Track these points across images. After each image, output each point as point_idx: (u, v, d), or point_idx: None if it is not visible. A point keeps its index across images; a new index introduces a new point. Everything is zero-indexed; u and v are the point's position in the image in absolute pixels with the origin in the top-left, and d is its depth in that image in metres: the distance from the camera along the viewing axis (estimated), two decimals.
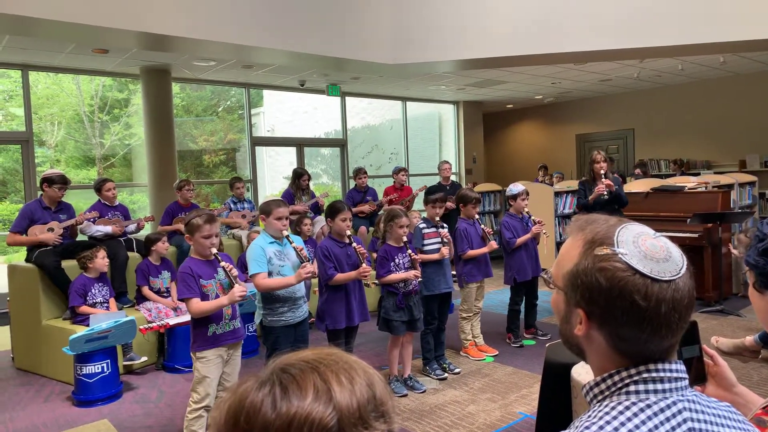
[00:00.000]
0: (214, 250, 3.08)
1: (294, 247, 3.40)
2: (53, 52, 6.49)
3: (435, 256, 4.29)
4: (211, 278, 3.09)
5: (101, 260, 4.64)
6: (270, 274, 3.33)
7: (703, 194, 6.43)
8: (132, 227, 5.42)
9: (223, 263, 3.06)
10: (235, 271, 3.08)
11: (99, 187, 5.41)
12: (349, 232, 3.73)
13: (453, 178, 8.36)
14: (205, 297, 3.04)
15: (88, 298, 4.57)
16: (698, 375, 1.15)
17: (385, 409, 0.64)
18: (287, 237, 3.43)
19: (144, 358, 4.63)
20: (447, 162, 8.04)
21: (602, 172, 5.40)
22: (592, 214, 0.89)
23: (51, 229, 4.86)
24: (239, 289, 3.00)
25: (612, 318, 0.79)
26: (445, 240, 4.35)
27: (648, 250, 0.80)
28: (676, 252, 0.82)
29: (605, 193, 5.33)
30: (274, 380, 0.62)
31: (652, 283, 0.77)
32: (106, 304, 4.66)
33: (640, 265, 0.78)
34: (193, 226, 3.05)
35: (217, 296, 3.08)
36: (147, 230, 6.51)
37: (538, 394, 1.96)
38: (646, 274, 0.77)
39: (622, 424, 0.75)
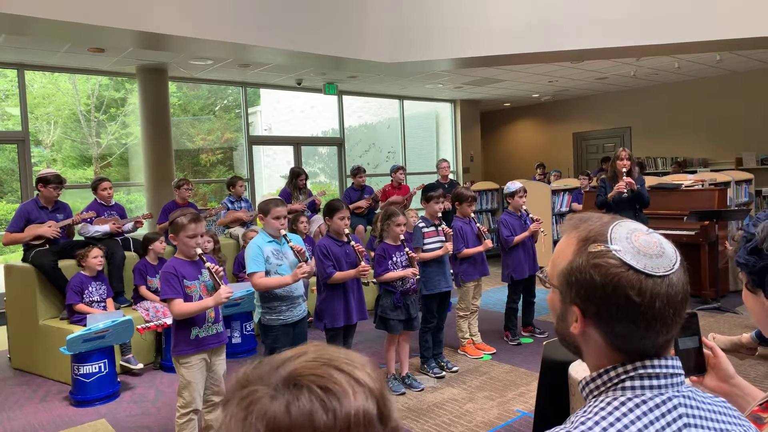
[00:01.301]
0: (199, 251, 2.99)
1: (291, 247, 3.40)
2: (49, 52, 6.47)
3: (439, 252, 4.30)
4: (195, 279, 3.01)
5: (92, 260, 4.59)
6: (267, 273, 3.33)
7: (700, 192, 6.45)
8: (129, 226, 5.41)
9: (208, 264, 2.99)
10: (221, 272, 3.01)
11: (95, 186, 5.40)
12: (347, 231, 3.74)
13: (451, 176, 8.35)
14: (188, 298, 2.96)
15: (84, 296, 4.56)
16: (698, 366, 1.16)
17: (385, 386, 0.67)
18: (285, 236, 3.43)
19: (140, 365, 4.57)
20: (445, 160, 8.02)
21: (624, 169, 5.29)
22: (585, 213, 0.90)
23: (48, 227, 4.84)
24: (225, 290, 2.92)
25: (607, 315, 0.80)
26: (446, 236, 4.37)
27: (641, 246, 0.80)
28: (669, 248, 0.82)
29: (626, 191, 5.25)
30: (308, 385, 0.61)
31: (646, 279, 0.78)
32: (103, 304, 4.65)
33: (634, 261, 0.78)
34: (177, 225, 2.96)
35: (200, 298, 2.99)
36: (145, 229, 6.50)
37: (536, 391, 1.96)
38: (640, 270, 0.78)
39: (618, 419, 0.76)
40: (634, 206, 5.34)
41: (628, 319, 0.78)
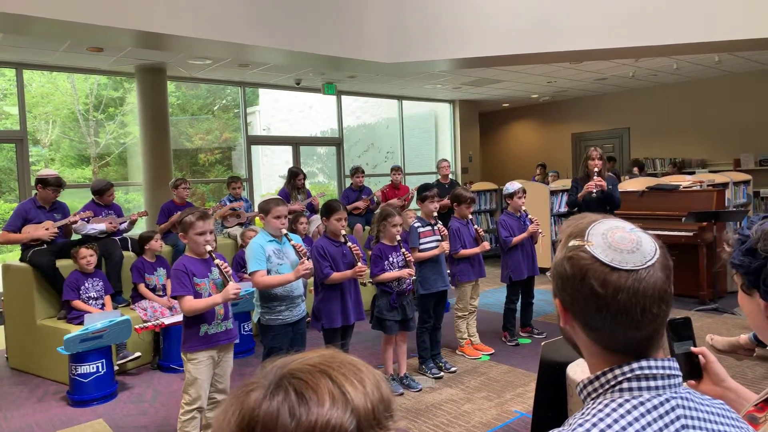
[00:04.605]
0: (209, 248, 3.04)
1: (293, 245, 3.40)
2: (48, 51, 6.46)
3: (435, 251, 4.30)
4: (204, 277, 3.06)
5: (81, 260, 4.56)
6: (268, 272, 3.33)
7: (698, 193, 6.45)
8: (125, 225, 5.40)
9: (217, 261, 3.04)
10: (229, 270, 3.06)
11: (104, 190, 5.33)
12: (344, 232, 3.73)
13: (450, 176, 8.33)
14: (198, 295, 3.01)
15: (81, 292, 4.55)
16: (693, 371, 1.16)
17: (393, 407, 0.65)
18: (286, 235, 3.43)
19: (138, 354, 4.58)
20: (445, 160, 8.00)
21: (596, 170, 5.21)
22: (584, 213, 0.91)
23: (46, 229, 4.83)
24: (234, 286, 2.97)
25: (578, 305, 0.83)
26: (442, 235, 4.37)
27: (614, 242, 0.82)
28: (650, 246, 0.83)
29: (594, 191, 5.14)
30: (286, 387, 0.61)
31: (611, 272, 0.80)
32: (101, 301, 4.64)
33: (603, 255, 0.81)
34: (186, 223, 3.02)
35: (210, 295, 3.04)
36: (141, 227, 6.49)
37: (534, 392, 1.96)
38: (606, 263, 0.80)
39: (615, 421, 0.76)
40: (605, 207, 5.16)
41: (594, 310, 0.81)
